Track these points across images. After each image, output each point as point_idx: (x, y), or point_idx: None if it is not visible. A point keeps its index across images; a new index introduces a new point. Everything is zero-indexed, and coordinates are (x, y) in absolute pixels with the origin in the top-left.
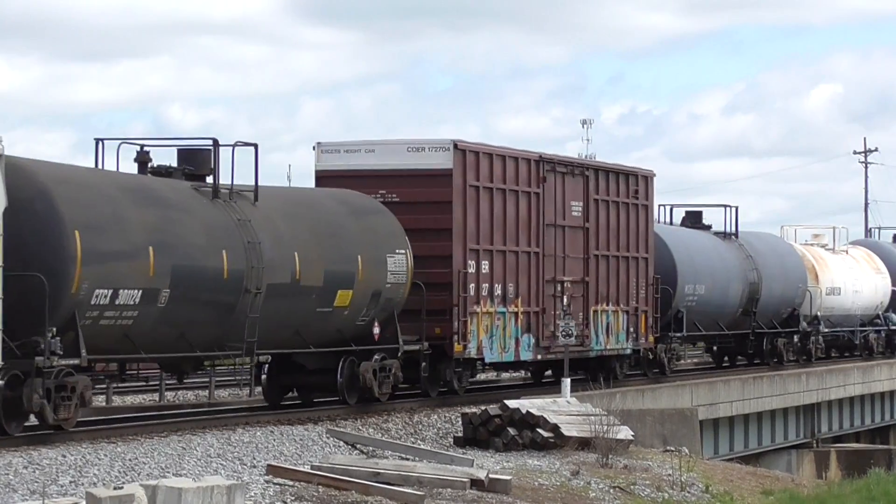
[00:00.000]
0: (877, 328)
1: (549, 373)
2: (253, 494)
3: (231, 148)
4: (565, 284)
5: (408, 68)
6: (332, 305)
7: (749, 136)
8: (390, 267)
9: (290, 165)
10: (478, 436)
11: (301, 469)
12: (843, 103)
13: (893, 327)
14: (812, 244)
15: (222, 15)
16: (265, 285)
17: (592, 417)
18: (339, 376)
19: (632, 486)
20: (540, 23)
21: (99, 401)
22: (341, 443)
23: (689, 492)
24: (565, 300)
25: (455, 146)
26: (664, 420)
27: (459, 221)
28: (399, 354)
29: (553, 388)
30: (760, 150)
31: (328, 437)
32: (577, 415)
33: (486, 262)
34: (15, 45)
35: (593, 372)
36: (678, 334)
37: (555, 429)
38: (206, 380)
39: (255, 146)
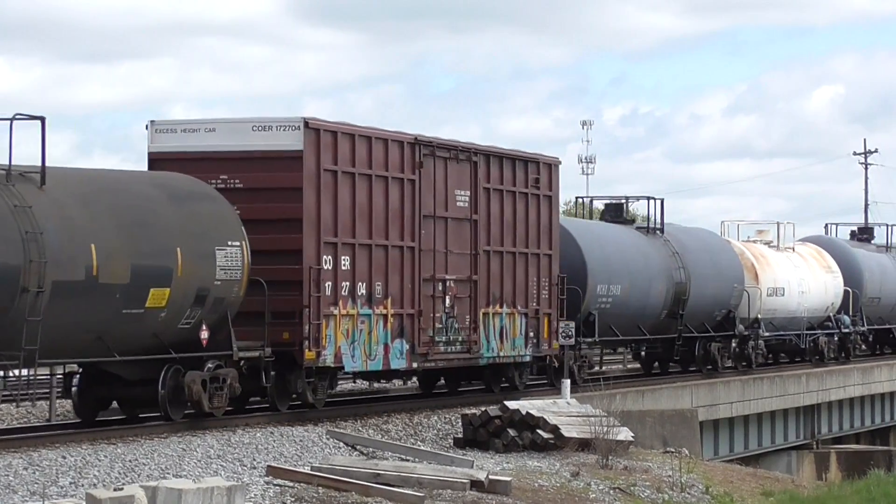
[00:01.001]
0: (828, 331)
1: (441, 382)
2: (253, 495)
3: (9, 122)
4: (448, 283)
5: (410, 69)
6: (143, 306)
7: (751, 137)
8: (220, 261)
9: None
10: (478, 437)
11: (301, 470)
12: (844, 104)
13: (846, 330)
14: (755, 241)
15: (224, 16)
16: (50, 283)
17: (592, 419)
18: (160, 388)
19: (632, 488)
20: (542, 24)
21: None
22: (341, 444)
23: (689, 493)
24: (448, 301)
25: (306, 125)
26: (664, 421)
27: (312, 211)
28: (241, 363)
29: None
30: (762, 151)
31: (328, 439)
32: (577, 416)
33: (347, 258)
34: (17, 46)
35: (488, 381)
36: (589, 339)
37: (555, 430)
38: None
39: (42, 119)
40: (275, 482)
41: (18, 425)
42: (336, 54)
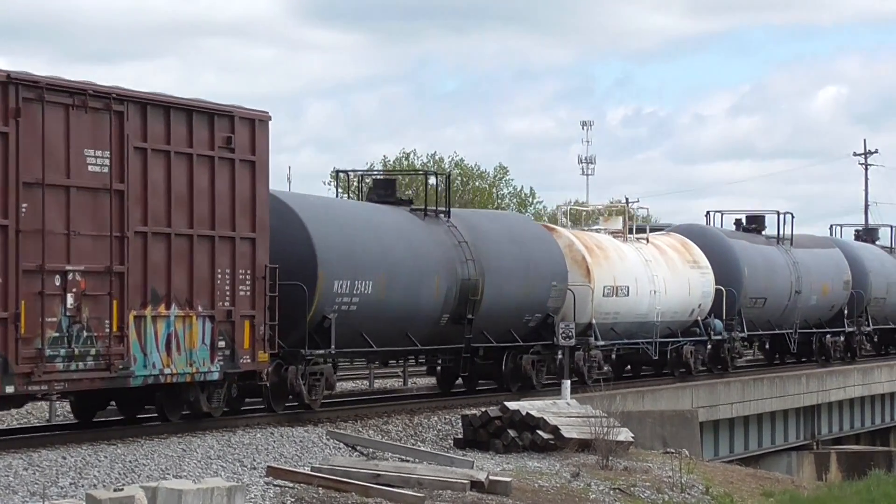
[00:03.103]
0: (695, 339)
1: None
2: (253, 496)
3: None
4: (71, 277)
5: (414, 70)
6: None
7: (753, 138)
8: None
9: (289, 167)
10: (478, 437)
11: (301, 471)
12: (848, 105)
13: (718, 337)
14: (600, 230)
15: (228, 16)
16: None
17: (592, 419)
18: None
19: (632, 488)
20: (546, 25)
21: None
22: (341, 444)
23: (689, 493)
24: (71, 301)
25: None
26: (664, 422)
27: None
28: None
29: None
30: (764, 152)
31: (328, 439)
32: (577, 416)
33: None
34: (21, 46)
35: (160, 407)
36: (319, 351)
37: (555, 430)
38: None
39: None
40: (275, 483)
41: (18, 425)
42: (339, 55)
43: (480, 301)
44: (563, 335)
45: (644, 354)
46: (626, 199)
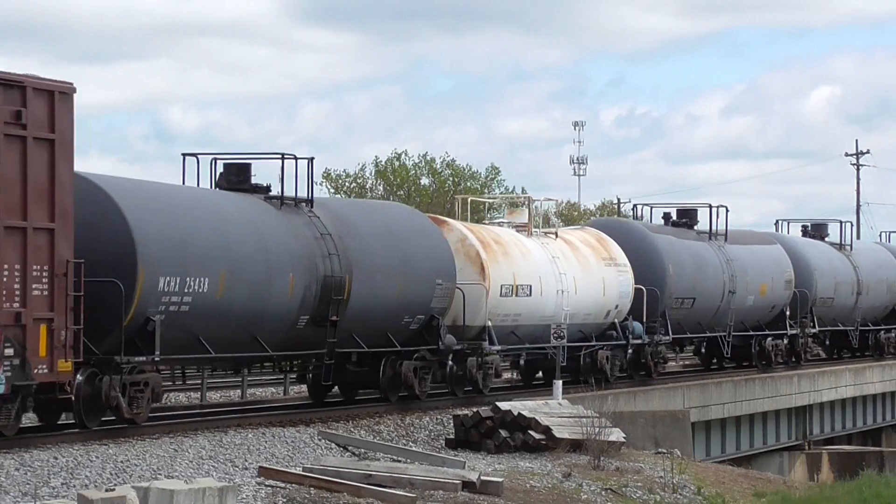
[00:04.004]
0: (611, 343)
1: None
2: (245, 496)
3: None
4: None
5: (408, 70)
6: None
7: (747, 138)
8: None
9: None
10: (469, 438)
11: (293, 471)
12: (841, 105)
13: (638, 341)
14: (502, 223)
15: (222, 17)
16: None
17: (584, 419)
18: None
19: (623, 488)
20: (540, 25)
21: None
22: (333, 445)
23: (680, 494)
24: None
25: None
26: (656, 422)
27: None
28: None
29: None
30: (758, 152)
31: (320, 439)
32: (569, 417)
33: None
34: (14, 46)
35: None
36: (139, 358)
37: (546, 431)
38: (198, 382)
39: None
40: (266, 483)
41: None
42: (334, 55)
43: (347, 301)
44: (555, 335)
45: (547, 360)
46: (618, 199)
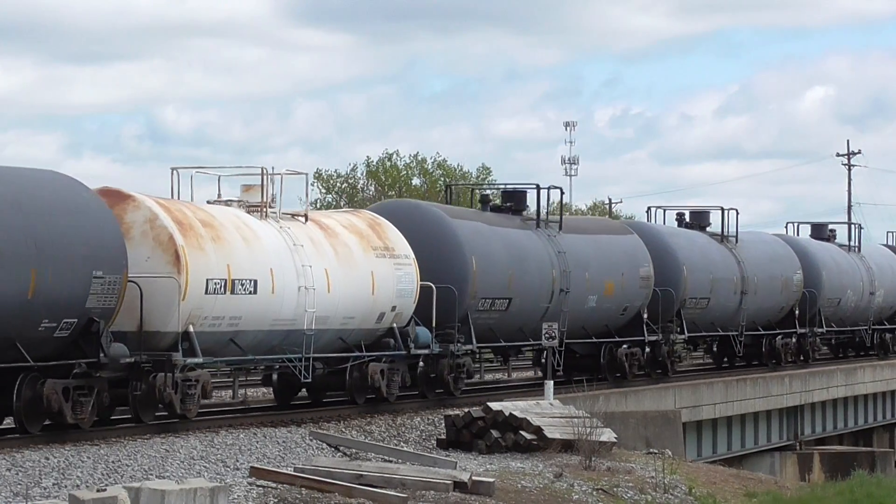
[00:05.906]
0: (388, 354)
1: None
2: (236, 497)
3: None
4: None
5: (402, 71)
6: None
7: (740, 139)
8: None
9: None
10: (461, 438)
11: (284, 471)
12: (835, 105)
13: (424, 351)
14: (230, 202)
15: (215, 17)
16: None
17: (575, 420)
18: None
19: (615, 489)
20: (534, 26)
21: None
22: (324, 445)
23: (672, 494)
24: None
25: None
26: (647, 422)
27: None
28: None
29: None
30: (751, 153)
31: (311, 440)
32: (561, 417)
33: None
34: (7, 47)
35: None
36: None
37: (538, 431)
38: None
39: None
40: (258, 483)
41: (1, 427)
42: (328, 55)
43: None
44: (546, 336)
45: (293, 378)
46: (610, 199)
